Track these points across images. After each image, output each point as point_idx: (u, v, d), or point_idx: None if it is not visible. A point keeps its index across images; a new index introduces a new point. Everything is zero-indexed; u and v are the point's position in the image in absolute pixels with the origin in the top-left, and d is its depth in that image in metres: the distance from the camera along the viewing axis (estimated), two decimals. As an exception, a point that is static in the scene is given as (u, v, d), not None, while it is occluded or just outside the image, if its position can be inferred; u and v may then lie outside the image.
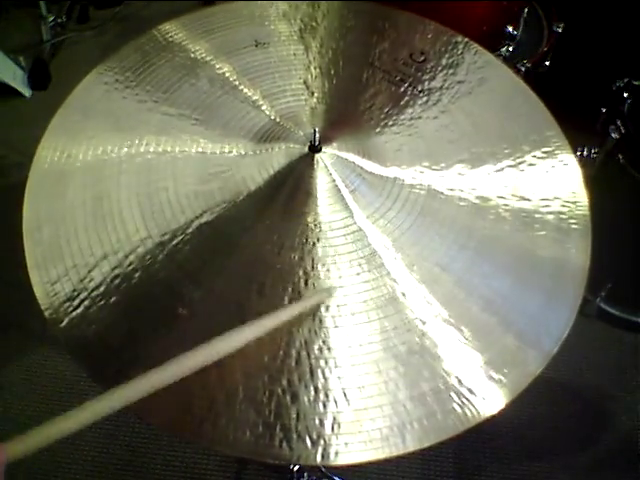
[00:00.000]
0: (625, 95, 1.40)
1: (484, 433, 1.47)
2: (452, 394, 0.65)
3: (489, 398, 0.65)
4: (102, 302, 0.70)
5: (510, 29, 1.44)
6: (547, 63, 1.55)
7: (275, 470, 1.42)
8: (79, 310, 0.69)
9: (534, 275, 0.74)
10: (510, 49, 1.47)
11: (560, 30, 1.54)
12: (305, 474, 1.35)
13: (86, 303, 0.70)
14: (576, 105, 1.46)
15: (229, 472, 1.43)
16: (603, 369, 1.57)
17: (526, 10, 1.53)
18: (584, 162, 1.46)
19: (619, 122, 1.38)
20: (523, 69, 1.44)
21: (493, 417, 0.64)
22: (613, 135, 1.38)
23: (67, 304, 0.70)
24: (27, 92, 2.15)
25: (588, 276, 0.73)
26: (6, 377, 1.55)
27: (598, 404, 1.53)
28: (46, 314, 0.69)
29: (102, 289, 0.71)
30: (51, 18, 2.22)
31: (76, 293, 0.70)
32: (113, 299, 0.70)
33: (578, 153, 1.44)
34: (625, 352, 1.59)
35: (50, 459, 1.40)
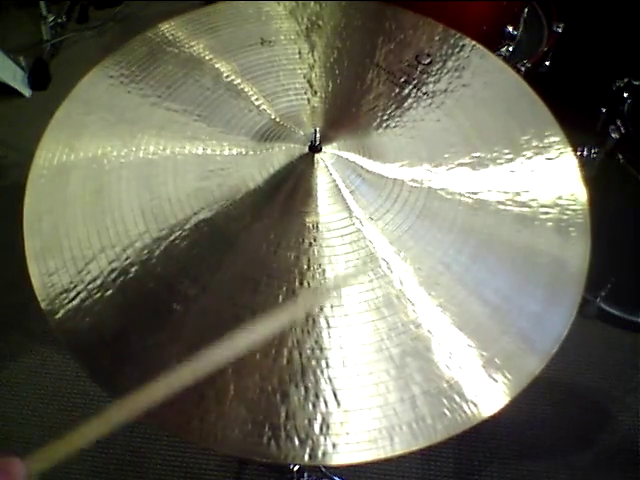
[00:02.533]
0: (625, 95, 1.40)
1: (484, 433, 1.47)
2: (448, 396, 0.64)
3: (487, 399, 0.64)
4: (98, 295, 0.70)
5: (510, 29, 1.44)
6: (547, 63, 1.55)
7: (275, 470, 1.42)
8: (75, 302, 0.69)
9: (533, 276, 0.73)
10: (510, 49, 1.46)
11: (560, 30, 1.54)
12: (305, 474, 1.35)
13: (82, 295, 0.70)
14: (576, 105, 1.46)
15: (229, 472, 1.43)
16: (603, 369, 1.56)
17: (526, 10, 1.53)
18: (584, 162, 1.46)
19: (619, 122, 1.38)
20: (523, 69, 1.44)
21: (493, 417, 0.64)
22: (613, 135, 1.38)
23: (63, 296, 0.70)
24: (27, 92, 2.15)
25: (588, 276, 0.73)
26: (6, 377, 1.55)
27: (598, 404, 1.53)
28: (42, 305, 0.69)
29: (98, 282, 0.70)
30: (51, 18, 2.23)
31: (73, 285, 0.70)
32: (109, 292, 0.70)
33: (578, 153, 1.44)
34: (625, 352, 1.59)
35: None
